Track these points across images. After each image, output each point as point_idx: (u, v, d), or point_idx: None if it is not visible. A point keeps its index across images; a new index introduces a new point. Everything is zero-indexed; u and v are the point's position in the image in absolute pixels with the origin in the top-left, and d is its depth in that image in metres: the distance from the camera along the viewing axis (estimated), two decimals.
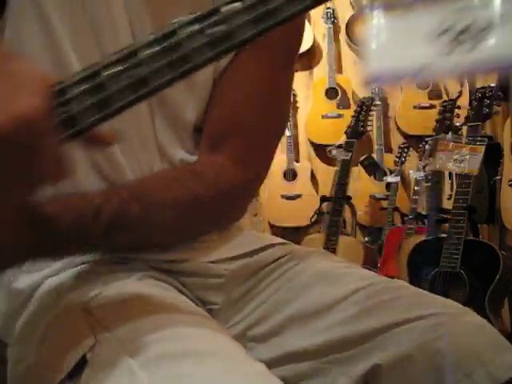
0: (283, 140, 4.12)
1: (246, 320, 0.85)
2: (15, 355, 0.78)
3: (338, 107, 4.27)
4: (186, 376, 0.58)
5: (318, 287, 0.84)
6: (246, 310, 0.86)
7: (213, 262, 0.85)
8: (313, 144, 4.37)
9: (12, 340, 0.80)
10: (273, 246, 0.91)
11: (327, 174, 4.27)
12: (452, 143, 2.45)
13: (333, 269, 0.88)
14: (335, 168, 3.48)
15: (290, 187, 4.33)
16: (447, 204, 3.01)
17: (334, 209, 3.00)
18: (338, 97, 4.46)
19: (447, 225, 2.43)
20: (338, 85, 4.49)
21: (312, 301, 0.83)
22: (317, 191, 4.39)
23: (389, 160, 4.26)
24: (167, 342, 0.63)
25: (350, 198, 3.07)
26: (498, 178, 2.82)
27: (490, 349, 0.73)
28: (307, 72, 4.67)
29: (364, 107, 3.32)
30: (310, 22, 4.65)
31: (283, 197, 4.34)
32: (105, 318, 0.69)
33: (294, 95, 4.54)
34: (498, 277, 2.27)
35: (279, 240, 0.94)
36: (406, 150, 3.87)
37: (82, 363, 0.65)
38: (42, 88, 0.52)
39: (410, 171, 3.62)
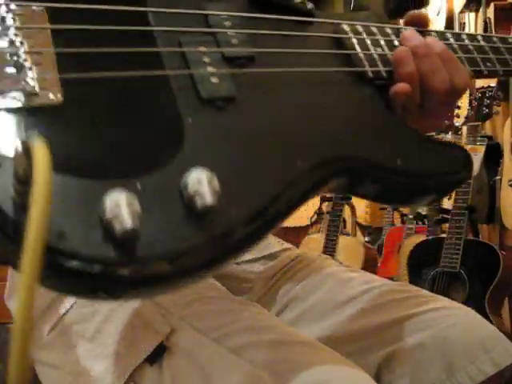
0: None
1: None
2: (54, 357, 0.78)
3: None
4: (291, 361, 0.62)
5: (329, 287, 0.89)
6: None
7: (241, 263, 0.91)
8: None
9: (40, 341, 0.81)
10: (288, 249, 0.98)
11: None
12: None
13: (340, 272, 0.94)
14: None
15: None
16: (447, 204, 3.01)
17: (334, 209, 2.99)
18: None
19: (447, 225, 2.42)
20: None
21: (324, 298, 0.88)
22: None
23: None
24: (249, 332, 0.66)
25: (350, 197, 3.07)
26: (498, 177, 2.82)
27: (491, 338, 0.80)
28: None
29: None
30: None
31: None
32: (174, 308, 0.72)
33: None
34: (497, 277, 2.27)
35: (288, 245, 1.01)
36: None
37: (160, 351, 0.68)
38: None
39: None
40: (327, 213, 3.31)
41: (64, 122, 0.48)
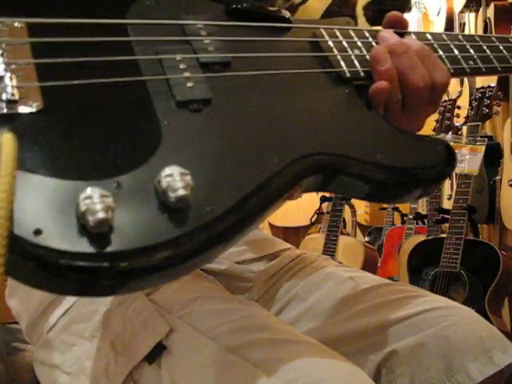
0: None
1: None
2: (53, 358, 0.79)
3: None
4: (288, 360, 0.62)
5: (329, 287, 0.90)
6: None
7: (242, 263, 0.91)
8: None
9: (40, 341, 0.81)
10: (287, 249, 0.99)
11: None
12: (452, 143, 2.45)
13: (340, 272, 0.94)
14: None
15: None
16: (447, 204, 3.01)
17: (334, 209, 2.99)
18: None
19: (447, 225, 2.42)
20: None
21: (324, 298, 0.88)
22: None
23: None
24: (246, 331, 0.67)
25: (349, 198, 3.07)
26: (498, 177, 2.82)
27: (491, 337, 0.80)
28: None
29: None
30: None
31: None
32: (172, 307, 0.73)
33: None
34: (497, 277, 2.27)
35: (288, 245, 1.01)
36: None
37: (158, 350, 0.69)
38: None
39: None
40: (327, 213, 3.31)
41: (44, 126, 0.51)
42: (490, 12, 2.96)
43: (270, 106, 0.62)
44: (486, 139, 2.51)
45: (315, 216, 3.89)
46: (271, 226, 4.48)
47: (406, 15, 0.79)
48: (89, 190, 0.46)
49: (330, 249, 2.92)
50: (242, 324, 0.69)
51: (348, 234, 3.64)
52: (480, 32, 3.19)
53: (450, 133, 2.65)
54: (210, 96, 0.58)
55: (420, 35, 0.75)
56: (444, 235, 2.45)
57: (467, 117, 2.53)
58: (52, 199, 0.46)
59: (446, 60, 0.74)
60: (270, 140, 0.59)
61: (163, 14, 0.63)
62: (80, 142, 0.51)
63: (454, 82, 3.84)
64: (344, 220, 3.50)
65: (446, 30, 4.20)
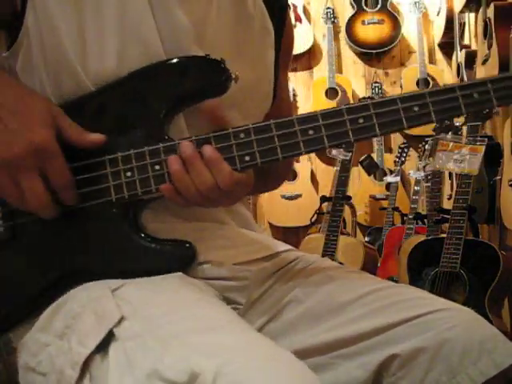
0: None
1: (261, 319, 0.90)
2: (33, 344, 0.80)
3: None
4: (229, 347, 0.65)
5: (329, 288, 0.89)
6: (262, 309, 0.91)
7: (239, 264, 0.91)
8: None
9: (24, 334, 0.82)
10: (285, 251, 0.99)
11: (327, 174, 4.27)
12: (452, 143, 2.45)
13: (340, 273, 0.94)
14: (335, 168, 3.48)
15: (290, 187, 4.33)
16: (447, 204, 3.01)
17: (334, 209, 2.99)
18: (338, 96, 4.46)
19: (447, 225, 2.42)
20: (338, 84, 4.49)
21: (323, 301, 0.88)
22: (317, 191, 4.39)
23: (389, 160, 4.26)
24: (192, 320, 0.70)
25: (350, 197, 3.07)
26: (498, 177, 2.82)
27: (492, 339, 0.80)
28: (307, 72, 4.67)
29: None
30: (310, 21, 4.65)
31: (283, 197, 4.34)
32: (131, 298, 0.75)
33: (294, 95, 4.54)
34: (497, 277, 2.27)
35: (288, 246, 1.02)
36: (405, 150, 3.86)
37: (109, 339, 0.71)
38: (51, 122, 0.75)
39: (410, 171, 3.62)
40: (327, 213, 3.31)
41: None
42: (490, 12, 2.96)
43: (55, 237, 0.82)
44: (486, 139, 2.50)
45: (315, 216, 3.89)
46: (271, 226, 4.48)
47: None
48: None
49: (330, 249, 2.92)
50: (189, 314, 0.72)
51: (348, 234, 3.63)
52: (480, 32, 3.19)
53: (450, 133, 2.65)
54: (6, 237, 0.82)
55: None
56: (444, 235, 2.44)
57: (467, 117, 2.52)
58: None
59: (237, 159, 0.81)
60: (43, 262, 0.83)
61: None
62: None
63: (454, 82, 3.83)
64: (344, 220, 3.50)
65: (445, 29, 4.20)
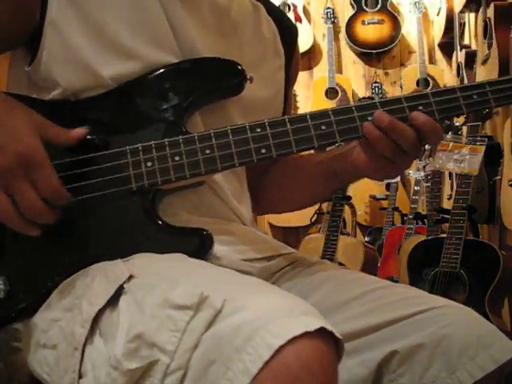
0: None
1: None
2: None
3: None
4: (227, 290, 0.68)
5: (328, 289, 0.91)
6: None
7: (245, 260, 0.93)
8: None
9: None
10: (287, 253, 1.01)
11: None
12: (452, 143, 2.44)
13: (339, 274, 0.96)
14: None
15: None
16: (447, 204, 3.01)
17: (334, 209, 2.99)
18: (338, 96, 4.46)
19: (447, 225, 2.42)
20: (338, 84, 4.49)
21: (322, 300, 0.88)
22: None
23: None
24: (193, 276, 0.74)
25: (350, 197, 3.07)
26: (498, 177, 2.82)
27: (489, 334, 0.81)
28: (307, 72, 4.67)
29: None
30: (309, 21, 4.65)
31: None
32: (141, 264, 0.79)
33: (295, 95, 4.53)
34: (497, 277, 2.27)
35: (291, 249, 1.04)
36: None
37: (118, 293, 0.74)
38: (37, 132, 0.78)
39: (410, 171, 3.62)
40: (327, 213, 3.30)
41: None
42: (490, 12, 2.96)
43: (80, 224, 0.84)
44: (486, 139, 2.50)
45: (315, 216, 3.89)
46: (271, 225, 4.48)
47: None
48: None
49: (329, 249, 2.92)
50: (188, 271, 0.77)
51: (348, 234, 3.63)
52: (480, 32, 3.19)
53: (449, 133, 2.65)
54: None
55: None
56: (444, 235, 2.44)
57: (467, 117, 2.52)
58: None
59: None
60: (67, 247, 0.84)
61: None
62: None
63: (454, 82, 3.84)
64: (344, 220, 3.50)
65: (445, 29, 4.20)
